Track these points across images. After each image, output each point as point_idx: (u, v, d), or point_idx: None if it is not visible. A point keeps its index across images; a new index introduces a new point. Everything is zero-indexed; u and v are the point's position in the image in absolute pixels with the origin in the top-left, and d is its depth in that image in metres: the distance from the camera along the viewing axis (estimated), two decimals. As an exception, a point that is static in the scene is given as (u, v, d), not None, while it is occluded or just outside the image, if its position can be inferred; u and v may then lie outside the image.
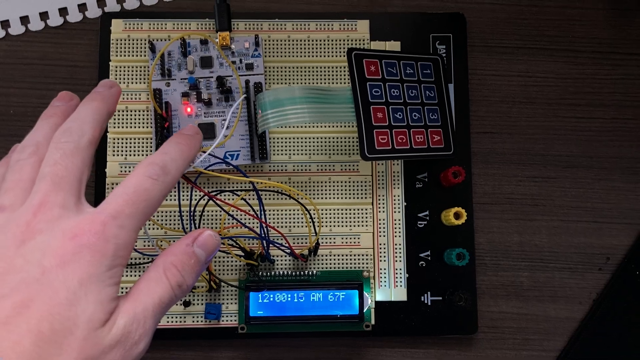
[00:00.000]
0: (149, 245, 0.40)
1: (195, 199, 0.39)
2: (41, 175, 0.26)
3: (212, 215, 0.40)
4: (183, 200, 0.40)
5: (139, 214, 0.26)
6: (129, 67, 0.41)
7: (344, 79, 0.42)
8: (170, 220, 0.40)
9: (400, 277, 0.41)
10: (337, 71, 0.42)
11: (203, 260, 0.28)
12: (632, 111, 0.44)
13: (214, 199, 0.35)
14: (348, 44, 0.42)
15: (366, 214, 0.41)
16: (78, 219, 0.25)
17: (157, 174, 0.27)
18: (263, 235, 0.37)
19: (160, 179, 0.27)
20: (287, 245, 0.38)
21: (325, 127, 0.42)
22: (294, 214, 0.41)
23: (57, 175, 0.26)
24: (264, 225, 0.36)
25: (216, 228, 0.40)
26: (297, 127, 0.41)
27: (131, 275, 0.40)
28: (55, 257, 0.24)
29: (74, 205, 0.25)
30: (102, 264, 0.24)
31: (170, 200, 0.40)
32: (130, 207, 0.25)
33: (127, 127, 0.41)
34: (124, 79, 0.41)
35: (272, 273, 0.40)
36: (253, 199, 0.38)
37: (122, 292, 0.39)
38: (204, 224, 0.40)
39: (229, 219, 0.38)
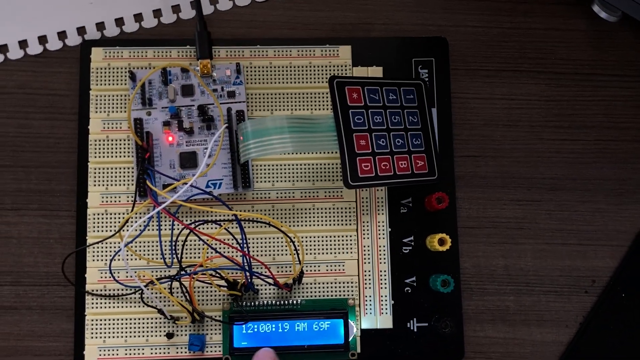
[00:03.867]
0: (129, 277, 0.39)
1: (178, 229, 0.39)
2: None
3: (194, 246, 0.40)
4: (165, 230, 0.39)
5: None
6: (109, 96, 0.41)
7: (327, 105, 0.42)
8: (151, 251, 0.40)
9: (386, 304, 0.40)
10: (319, 97, 0.42)
11: None
12: (614, 132, 0.44)
13: (195, 232, 0.35)
14: (330, 70, 0.42)
15: (351, 240, 0.41)
16: None
17: None
18: (246, 265, 0.37)
19: None
20: (270, 275, 0.37)
21: (308, 153, 0.41)
22: (277, 242, 0.40)
23: None
24: (246, 256, 0.36)
25: (198, 258, 0.40)
26: (280, 154, 0.41)
27: (114, 307, 0.39)
28: None
29: None
30: None
31: (152, 230, 0.40)
32: None
33: (108, 157, 0.41)
34: (105, 107, 0.41)
35: (256, 303, 0.39)
36: (235, 228, 0.38)
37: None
38: (186, 254, 0.40)
39: (211, 250, 0.38)
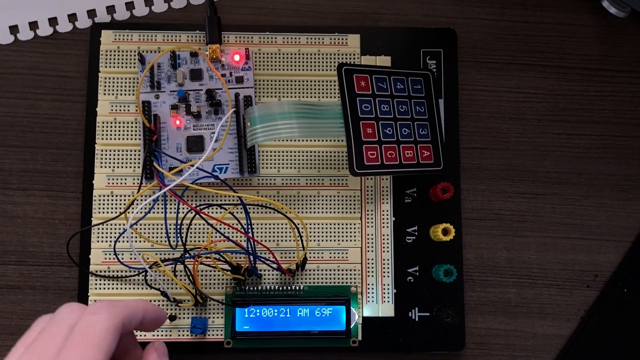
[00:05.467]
0: (134, 259, 0.40)
1: (183, 212, 0.39)
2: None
3: (199, 229, 0.40)
4: (170, 213, 0.39)
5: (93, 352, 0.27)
6: (118, 79, 0.41)
7: (334, 93, 0.42)
8: (156, 233, 0.40)
9: (388, 293, 0.40)
10: (327, 85, 0.42)
11: None
12: (621, 128, 0.44)
13: (201, 213, 0.35)
14: (338, 59, 0.42)
15: (354, 228, 0.41)
16: None
17: (99, 307, 0.28)
18: (250, 249, 0.37)
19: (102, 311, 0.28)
20: (274, 260, 0.38)
21: (314, 141, 0.42)
22: (282, 228, 0.41)
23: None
24: (250, 240, 0.36)
25: (203, 242, 0.40)
26: (287, 140, 0.41)
27: (118, 289, 0.39)
28: None
29: None
30: None
31: (157, 213, 0.40)
32: (82, 351, 0.27)
33: (115, 139, 0.41)
34: (113, 90, 0.41)
35: (259, 288, 0.39)
36: (240, 213, 0.38)
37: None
38: (190, 238, 0.40)
39: (215, 233, 0.38)
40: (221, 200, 0.40)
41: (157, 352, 0.31)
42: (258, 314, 0.39)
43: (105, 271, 0.40)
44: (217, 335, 0.39)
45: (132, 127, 0.41)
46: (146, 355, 0.31)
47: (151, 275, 0.39)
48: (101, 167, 0.40)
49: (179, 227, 0.38)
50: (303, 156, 0.41)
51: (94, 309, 0.29)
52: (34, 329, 0.29)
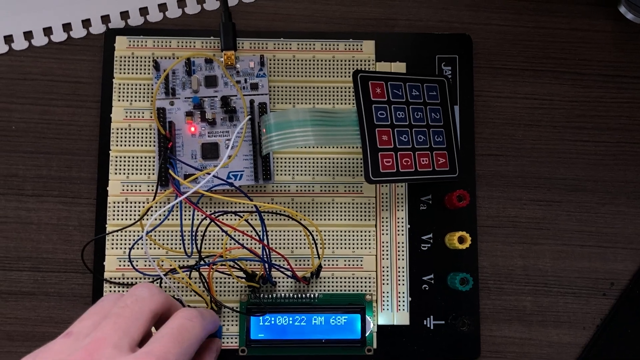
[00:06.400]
0: (149, 266, 0.39)
1: (198, 219, 0.39)
2: (110, 313, 0.28)
3: (214, 236, 0.40)
4: (185, 220, 0.39)
5: (184, 352, 0.28)
6: (132, 85, 0.41)
7: (349, 100, 0.42)
8: (170, 240, 0.40)
9: (403, 301, 0.40)
10: (342, 92, 0.42)
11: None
12: (638, 135, 0.43)
13: (216, 221, 0.35)
14: (353, 65, 0.42)
15: (369, 236, 0.41)
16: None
17: (195, 316, 0.30)
18: (265, 257, 0.37)
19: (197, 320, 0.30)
20: (289, 267, 0.37)
21: (329, 147, 0.41)
22: (296, 235, 0.40)
23: (120, 316, 0.28)
24: (265, 247, 0.36)
25: (218, 249, 0.40)
26: (302, 147, 0.41)
27: (131, 295, 0.39)
28: None
29: (127, 345, 0.27)
30: None
31: (173, 220, 0.40)
32: (176, 346, 0.27)
33: (129, 146, 0.41)
34: (127, 96, 0.41)
35: (274, 295, 0.39)
36: (255, 220, 0.38)
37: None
38: (206, 244, 0.40)
39: (231, 241, 0.38)
40: (236, 208, 0.40)
41: (216, 353, 0.33)
42: (273, 322, 0.39)
43: (119, 278, 0.40)
44: (232, 343, 0.39)
45: (146, 133, 0.41)
46: (207, 351, 0.33)
47: (166, 283, 0.39)
48: (115, 173, 0.40)
49: (194, 234, 0.38)
50: (318, 163, 0.41)
51: (188, 314, 0.30)
52: (108, 302, 0.29)
